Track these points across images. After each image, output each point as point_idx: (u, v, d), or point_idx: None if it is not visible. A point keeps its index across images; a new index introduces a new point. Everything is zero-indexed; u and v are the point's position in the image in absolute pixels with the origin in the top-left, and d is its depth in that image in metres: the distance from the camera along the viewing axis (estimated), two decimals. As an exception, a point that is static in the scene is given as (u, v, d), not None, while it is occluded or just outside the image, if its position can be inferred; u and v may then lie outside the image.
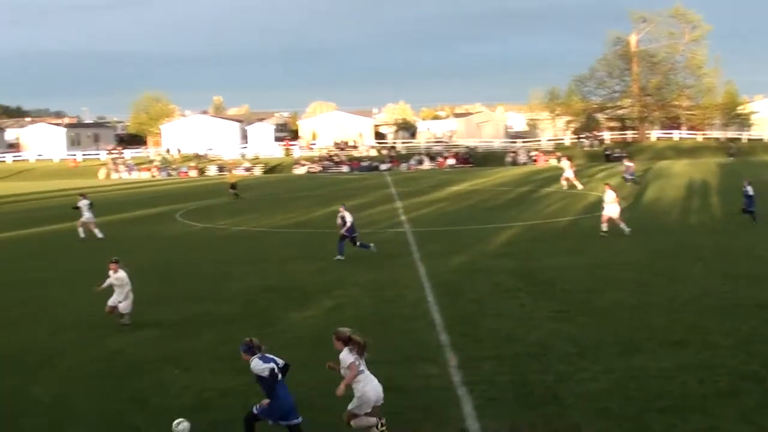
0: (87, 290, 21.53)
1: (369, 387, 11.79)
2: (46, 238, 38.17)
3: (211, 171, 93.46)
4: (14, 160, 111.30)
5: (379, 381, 11.95)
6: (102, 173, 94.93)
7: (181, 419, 11.95)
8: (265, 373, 11.39)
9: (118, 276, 19.43)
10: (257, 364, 11.47)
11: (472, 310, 20.25)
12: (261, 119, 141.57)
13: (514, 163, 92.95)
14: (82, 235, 36.16)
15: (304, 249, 31.71)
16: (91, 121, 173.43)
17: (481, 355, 16.13)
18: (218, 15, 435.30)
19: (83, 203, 36.53)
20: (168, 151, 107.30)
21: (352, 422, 11.91)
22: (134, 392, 14.65)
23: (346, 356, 11.71)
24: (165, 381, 15.22)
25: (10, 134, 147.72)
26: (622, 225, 31.52)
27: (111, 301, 19.63)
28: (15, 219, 47.63)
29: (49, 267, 29.42)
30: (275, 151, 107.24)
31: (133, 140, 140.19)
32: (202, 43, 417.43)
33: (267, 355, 11.69)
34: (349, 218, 28.66)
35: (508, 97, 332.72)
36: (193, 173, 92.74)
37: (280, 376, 11.50)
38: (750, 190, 34.06)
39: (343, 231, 28.64)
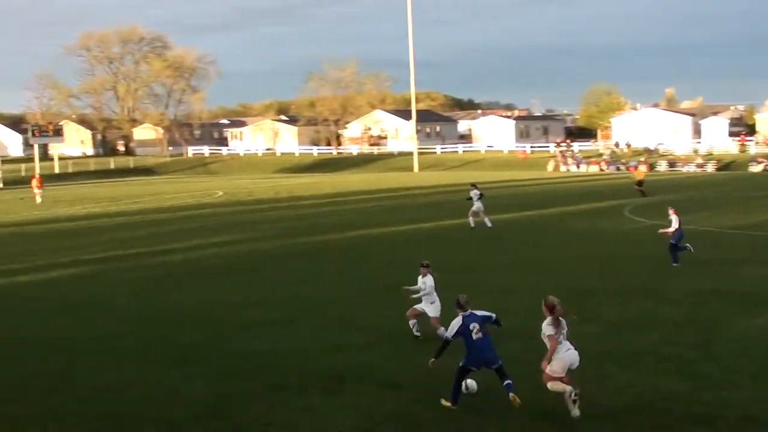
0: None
1: (560, 355, 13.35)
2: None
3: (662, 166, 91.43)
4: (464, 151, 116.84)
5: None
6: (550, 165, 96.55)
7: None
8: (450, 335, 13.94)
9: (423, 281, 18.17)
10: (453, 323, 13.90)
11: None
12: (715, 113, 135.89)
13: None
14: (472, 224, 37.88)
15: (758, 252, 30.09)
16: (540, 114, 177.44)
17: None
18: (670, 3, 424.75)
19: (474, 193, 38.28)
20: (617, 144, 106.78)
21: (549, 384, 13.38)
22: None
23: (547, 328, 13.44)
24: (605, 378, 15.21)
25: (462, 126, 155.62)
26: None
27: (418, 306, 18.47)
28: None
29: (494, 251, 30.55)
30: (729, 147, 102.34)
31: (582, 133, 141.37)
32: (653, 33, 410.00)
33: (474, 312, 13.92)
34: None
35: None
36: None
37: (475, 330, 13.67)
38: None
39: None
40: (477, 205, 38.30)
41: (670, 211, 27.29)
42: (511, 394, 13.24)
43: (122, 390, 15.14)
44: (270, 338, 18.79)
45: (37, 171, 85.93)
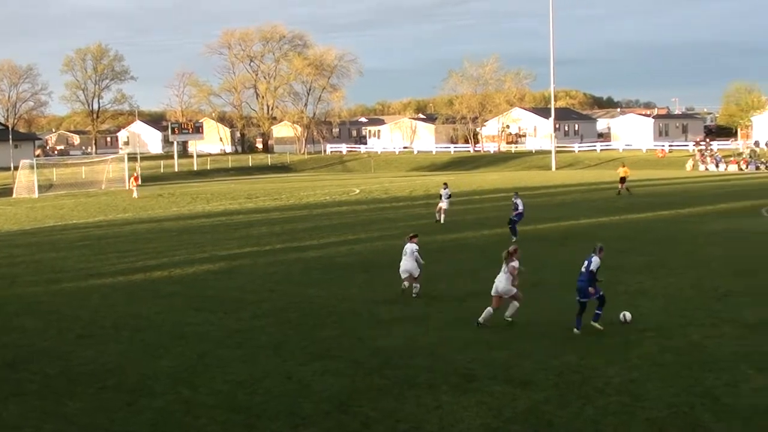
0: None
1: None
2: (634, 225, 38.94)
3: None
4: (602, 150, 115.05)
5: None
6: (689, 165, 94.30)
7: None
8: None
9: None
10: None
11: None
12: None
13: None
14: (438, 218, 41.27)
15: None
16: (680, 112, 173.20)
17: None
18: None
19: (444, 192, 41.83)
20: (757, 144, 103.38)
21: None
22: (707, 388, 14.51)
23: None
24: (740, 380, 14.85)
25: (601, 124, 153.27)
26: None
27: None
28: (594, 206, 49.25)
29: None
30: None
31: (722, 132, 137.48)
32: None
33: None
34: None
35: None
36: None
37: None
38: None
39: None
40: (444, 203, 41.70)
41: None
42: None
43: (255, 383, 15.54)
44: (402, 334, 18.97)
45: (173, 168, 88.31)
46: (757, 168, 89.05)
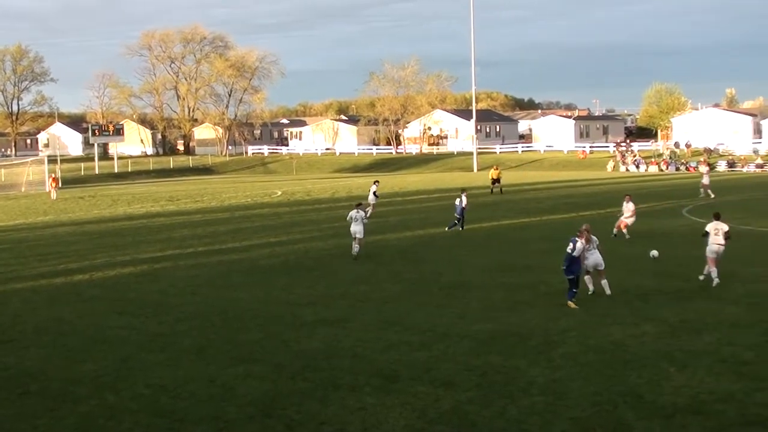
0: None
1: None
2: (554, 225, 39.46)
3: (721, 167, 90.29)
4: (524, 151, 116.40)
5: None
6: (610, 166, 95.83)
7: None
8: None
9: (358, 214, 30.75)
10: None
11: None
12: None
13: None
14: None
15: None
16: (601, 114, 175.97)
17: None
18: (732, 3, 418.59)
19: (372, 189, 46.70)
20: (677, 145, 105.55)
21: None
22: (629, 386, 14.72)
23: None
24: (662, 378, 15.09)
25: (522, 125, 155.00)
26: None
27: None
28: (517, 207, 49.83)
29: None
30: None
31: (642, 133, 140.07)
32: (714, 33, 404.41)
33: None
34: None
35: None
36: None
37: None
38: None
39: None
40: (371, 198, 45.81)
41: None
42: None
43: (178, 387, 15.33)
44: (325, 336, 18.89)
45: (93, 170, 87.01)
46: (677, 169, 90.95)
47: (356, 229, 30.68)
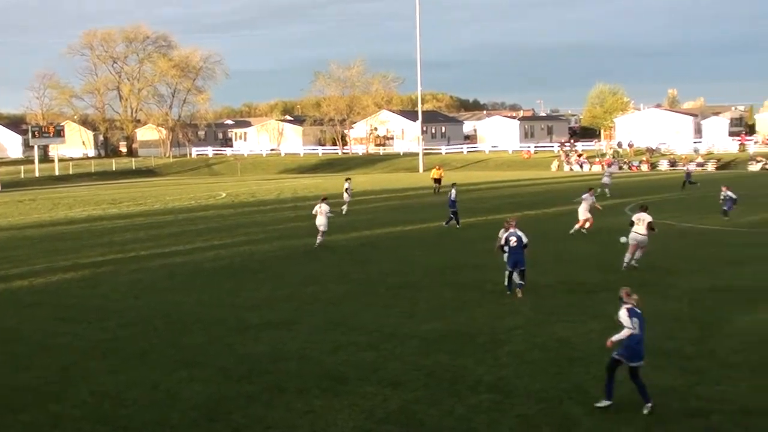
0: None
1: None
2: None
3: (663, 166, 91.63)
4: (469, 151, 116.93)
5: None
6: (554, 165, 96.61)
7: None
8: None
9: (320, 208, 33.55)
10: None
11: None
12: (716, 113, 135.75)
13: None
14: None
15: (758, 249, 30.16)
16: (545, 114, 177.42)
17: None
18: (673, 4, 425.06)
19: (347, 187, 48.94)
20: (620, 144, 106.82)
21: None
22: (575, 382, 14.80)
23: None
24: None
25: (467, 126, 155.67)
26: None
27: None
28: (463, 207, 50.00)
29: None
30: (729, 147, 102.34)
31: (586, 133, 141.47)
32: (657, 34, 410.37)
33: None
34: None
35: None
36: (645, 167, 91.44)
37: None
38: None
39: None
40: (345, 196, 48.18)
41: None
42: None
43: (122, 394, 15.09)
44: (271, 340, 18.73)
45: (34, 173, 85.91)
46: (620, 168, 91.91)
47: (321, 221, 33.25)
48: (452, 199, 39.80)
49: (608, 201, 49.89)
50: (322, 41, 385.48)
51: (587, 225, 34.94)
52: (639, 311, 13.76)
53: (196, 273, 28.52)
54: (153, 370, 16.58)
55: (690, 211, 43.78)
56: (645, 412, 13.12)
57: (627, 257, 26.04)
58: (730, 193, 37.89)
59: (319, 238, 33.25)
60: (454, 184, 41.40)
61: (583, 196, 35.82)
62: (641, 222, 25.89)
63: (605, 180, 56.91)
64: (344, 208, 47.12)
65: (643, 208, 26.48)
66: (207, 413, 13.86)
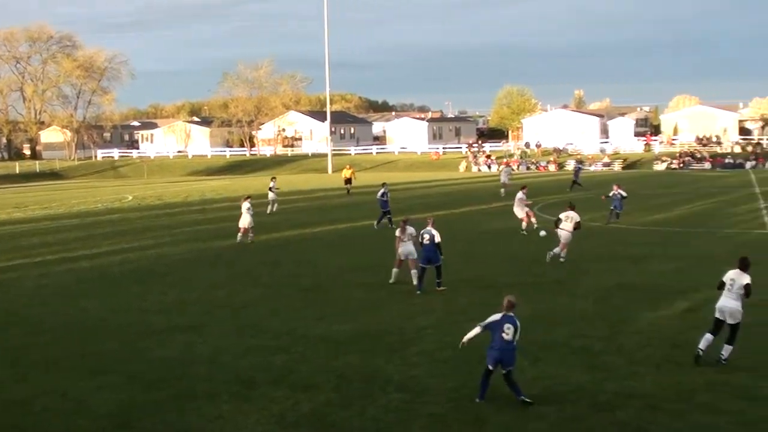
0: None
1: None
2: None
3: (570, 166, 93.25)
4: (378, 152, 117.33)
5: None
6: (462, 166, 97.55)
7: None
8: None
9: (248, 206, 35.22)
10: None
11: None
12: (622, 114, 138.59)
13: None
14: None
15: (661, 247, 30.99)
16: (453, 116, 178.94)
17: None
18: (580, 6, 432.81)
19: (272, 186, 49.67)
20: (527, 145, 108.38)
21: None
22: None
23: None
24: (515, 370, 15.41)
25: (376, 127, 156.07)
26: None
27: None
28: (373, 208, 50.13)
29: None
30: (635, 147, 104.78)
31: (494, 134, 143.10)
32: (563, 36, 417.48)
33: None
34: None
35: None
36: (552, 167, 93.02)
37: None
38: None
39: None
40: (271, 195, 49.10)
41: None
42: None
43: (29, 403, 14.77)
44: (180, 345, 18.55)
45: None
46: (528, 168, 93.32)
47: (245, 221, 35.12)
48: (383, 199, 40.21)
49: (502, 202, 50.63)
50: (230, 42, 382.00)
51: (525, 224, 35.23)
52: (515, 319, 14.26)
53: (104, 277, 28.08)
54: (62, 377, 16.28)
55: (595, 209, 44.58)
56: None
57: (557, 250, 27.51)
58: (621, 192, 38.45)
59: (248, 236, 35.13)
60: (384, 184, 41.51)
61: (518, 196, 36.09)
62: (569, 220, 27.46)
63: (503, 179, 57.82)
64: (271, 207, 48.90)
65: (571, 207, 28.11)
66: (117, 421, 13.68)
